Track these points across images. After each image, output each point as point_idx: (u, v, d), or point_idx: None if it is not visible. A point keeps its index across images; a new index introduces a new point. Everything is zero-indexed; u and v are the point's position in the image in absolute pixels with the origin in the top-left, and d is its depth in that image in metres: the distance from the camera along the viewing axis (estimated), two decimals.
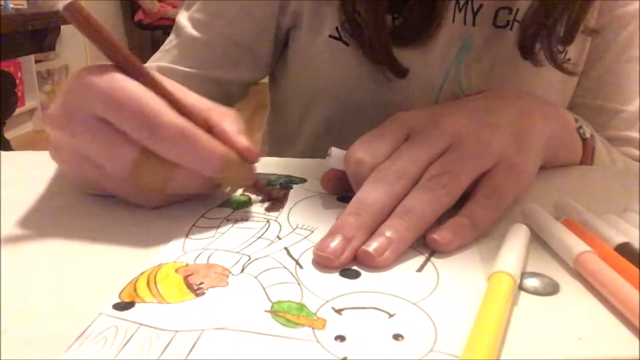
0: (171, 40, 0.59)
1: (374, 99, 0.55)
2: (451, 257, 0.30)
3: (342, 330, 0.23)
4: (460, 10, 0.53)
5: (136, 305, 0.24)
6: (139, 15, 3.99)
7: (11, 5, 2.06)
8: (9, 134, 2.27)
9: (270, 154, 0.69)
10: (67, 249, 0.30)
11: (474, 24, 0.54)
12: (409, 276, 0.28)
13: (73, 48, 3.44)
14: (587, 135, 0.46)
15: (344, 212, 0.31)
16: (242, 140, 0.34)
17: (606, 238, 0.29)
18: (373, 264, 0.28)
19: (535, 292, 0.26)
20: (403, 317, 0.24)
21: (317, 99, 0.59)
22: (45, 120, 0.33)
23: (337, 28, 0.54)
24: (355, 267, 0.28)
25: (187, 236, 0.32)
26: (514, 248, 0.28)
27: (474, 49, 0.54)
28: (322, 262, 0.28)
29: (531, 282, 0.26)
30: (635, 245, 0.28)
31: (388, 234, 0.29)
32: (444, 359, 0.21)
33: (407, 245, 0.30)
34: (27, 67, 3.13)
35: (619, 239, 0.28)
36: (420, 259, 0.29)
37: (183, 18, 0.58)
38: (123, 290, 0.26)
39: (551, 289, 0.26)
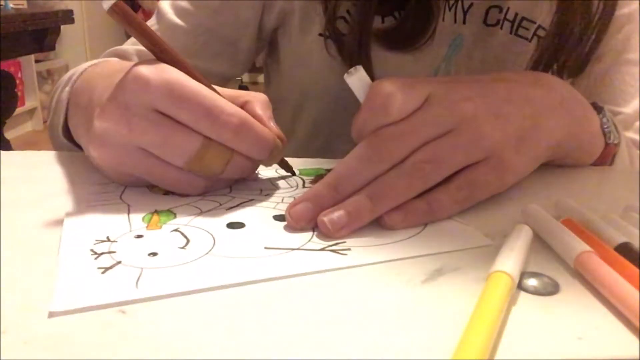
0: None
1: None
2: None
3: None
4: (450, 8, 0.54)
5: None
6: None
7: (11, 5, 2.06)
8: (9, 134, 2.28)
9: None
10: None
11: (464, 22, 0.54)
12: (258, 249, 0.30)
13: (73, 48, 3.43)
14: (613, 139, 0.44)
15: (324, 179, 0.33)
16: (274, 127, 0.37)
17: (606, 238, 0.29)
18: (328, 234, 0.31)
19: (535, 292, 0.26)
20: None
21: (308, 98, 0.59)
22: (100, 115, 0.34)
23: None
24: (241, 221, 0.33)
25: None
26: (513, 248, 0.28)
27: (464, 46, 0.54)
28: (290, 224, 0.32)
29: (531, 282, 0.26)
30: (635, 245, 0.28)
31: (350, 209, 0.31)
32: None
33: (364, 223, 0.32)
34: (27, 67, 3.13)
35: (619, 238, 0.28)
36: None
37: (166, 4, 0.58)
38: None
39: (551, 289, 0.26)
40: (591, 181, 0.43)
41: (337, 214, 0.31)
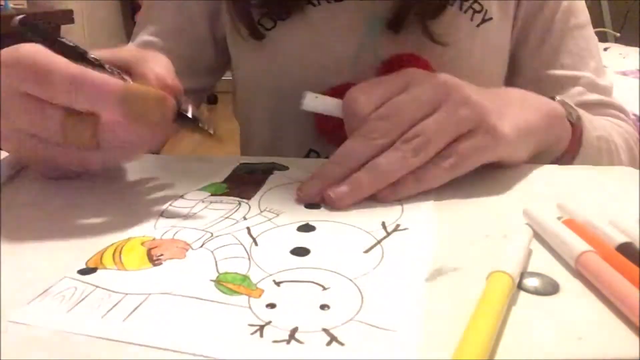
0: None
1: (298, 80, 0.54)
2: (401, 240, 0.31)
3: (275, 299, 0.25)
4: None
5: (98, 271, 0.27)
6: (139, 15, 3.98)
7: (11, 5, 2.06)
8: None
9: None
10: (63, 245, 0.30)
11: None
12: (355, 256, 0.29)
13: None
14: (574, 116, 0.47)
15: (330, 159, 0.36)
16: (155, 74, 0.35)
17: (608, 238, 0.29)
18: (333, 205, 0.35)
19: (535, 292, 0.26)
20: (335, 290, 0.26)
21: (252, 95, 0.60)
22: None
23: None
24: (306, 246, 0.30)
25: (161, 215, 0.34)
26: (513, 248, 0.28)
27: (386, 17, 0.53)
28: (300, 199, 0.36)
29: (531, 282, 0.26)
30: (637, 245, 0.28)
31: (352, 183, 0.35)
32: (361, 327, 0.23)
33: (365, 194, 0.35)
34: None
35: (621, 238, 0.28)
36: (371, 242, 0.31)
37: (131, 43, 0.61)
38: (91, 258, 0.28)
39: (551, 288, 0.26)
40: (593, 181, 0.43)
41: (340, 187, 0.35)
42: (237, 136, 0.67)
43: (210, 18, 0.59)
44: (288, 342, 0.22)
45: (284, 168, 0.42)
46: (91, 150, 0.35)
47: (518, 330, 0.23)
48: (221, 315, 0.24)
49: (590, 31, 0.62)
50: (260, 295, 0.25)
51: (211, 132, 0.35)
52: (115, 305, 0.24)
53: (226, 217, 0.33)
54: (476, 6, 0.55)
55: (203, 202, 0.36)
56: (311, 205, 0.35)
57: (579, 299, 0.25)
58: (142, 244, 0.30)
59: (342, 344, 0.22)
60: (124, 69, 0.36)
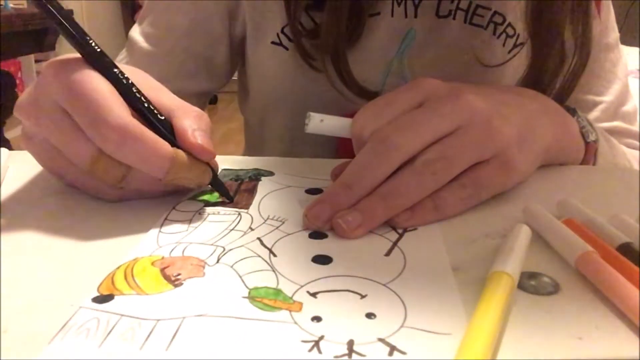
0: (125, 57, 0.58)
1: (320, 100, 0.54)
2: (414, 240, 0.31)
3: (318, 312, 0.24)
4: (399, 4, 0.53)
5: (115, 297, 0.25)
6: (139, 15, 3.98)
7: (11, 5, 2.06)
8: (9, 134, 2.27)
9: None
10: (63, 271, 0.28)
11: (415, 16, 0.53)
12: (378, 260, 0.29)
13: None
14: (592, 138, 0.45)
15: (339, 179, 0.33)
16: (196, 138, 0.33)
17: (608, 238, 0.29)
18: (344, 235, 0.31)
19: (535, 292, 0.26)
20: (374, 297, 0.25)
21: (270, 106, 0.59)
22: (16, 108, 0.34)
23: (277, 34, 0.54)
24: (326, 254, 0.29)
25: (160, 230, 0.32)
26: (513, 248, 0.28)
27: (417, 40, 0.54)
28: (307, 226, 0.32)
29: (531, 282, 0.26)
30: (637, 245, 0.28)
31: (364, 210, 0.31)
32: (415, 333, 0.22)
33: (379, 223, 0.32)
34: (27, 67, 3.13)
35: (621, 238, 0.28)
36: (387, 244, 0.30)
37: (135, 33, 0.58)
38: (101, 284, 0.26)
39: (551, 288, 0.26)
40: (593, 181, 0.43)
41: (351, 215, 0.31)
42: (237, 136, 0.67)
43: (228, 17, 0.56)
44: (349, 355, 0.21)
45: (270, 174, 0.41)
46: (110, 187, 0.34)
47: (518, 330, 0.23)
48: (268, 333, 0.23)
49: (618, 52, 0.60)
50: (300, 309, 0.24)
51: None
52: (150, 334, 0.22)
53: (231, 229, 0.32)
54: (509, 30, 0.54)
55: (200, 213, 0.34)
56: (316, 235, 0.32)
57: (579, 299, 0.25)
58: (152, 263, 0.28)
59: (403, 352, 0.21)
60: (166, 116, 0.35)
